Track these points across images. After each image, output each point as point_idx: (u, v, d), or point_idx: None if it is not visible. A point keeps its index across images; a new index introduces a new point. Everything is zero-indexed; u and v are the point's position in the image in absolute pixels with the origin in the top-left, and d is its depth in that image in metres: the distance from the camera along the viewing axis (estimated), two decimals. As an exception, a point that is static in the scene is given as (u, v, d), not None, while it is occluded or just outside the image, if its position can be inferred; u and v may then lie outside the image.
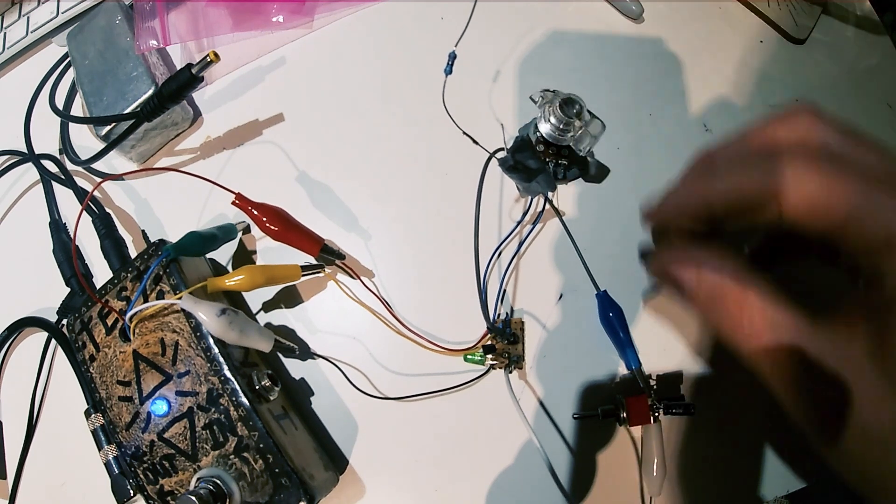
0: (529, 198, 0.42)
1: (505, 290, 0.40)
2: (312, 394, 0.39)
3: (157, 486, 0.33)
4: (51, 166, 0.47)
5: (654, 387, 0.38)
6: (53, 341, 0.41)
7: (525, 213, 0.42)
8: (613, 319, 0.38)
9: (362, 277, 0.40)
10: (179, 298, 0.33)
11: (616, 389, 0.38)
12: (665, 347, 0.39)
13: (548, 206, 0.41)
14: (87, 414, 0.36)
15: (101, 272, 0.43)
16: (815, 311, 0.21)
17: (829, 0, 0.51)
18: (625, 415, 0.35)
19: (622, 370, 0.39)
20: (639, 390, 0.36)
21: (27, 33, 0.50)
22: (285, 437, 0.33)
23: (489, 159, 0.39)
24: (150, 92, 0.43)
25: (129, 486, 0.34)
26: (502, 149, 0.41)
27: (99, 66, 0.45)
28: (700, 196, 0.24)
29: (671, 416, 0.35)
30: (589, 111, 0.39)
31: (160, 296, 0.35)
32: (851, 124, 0.22)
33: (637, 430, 0.37)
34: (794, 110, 0.23)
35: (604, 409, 0.36)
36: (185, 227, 0.38)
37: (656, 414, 0.35)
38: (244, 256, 0.43)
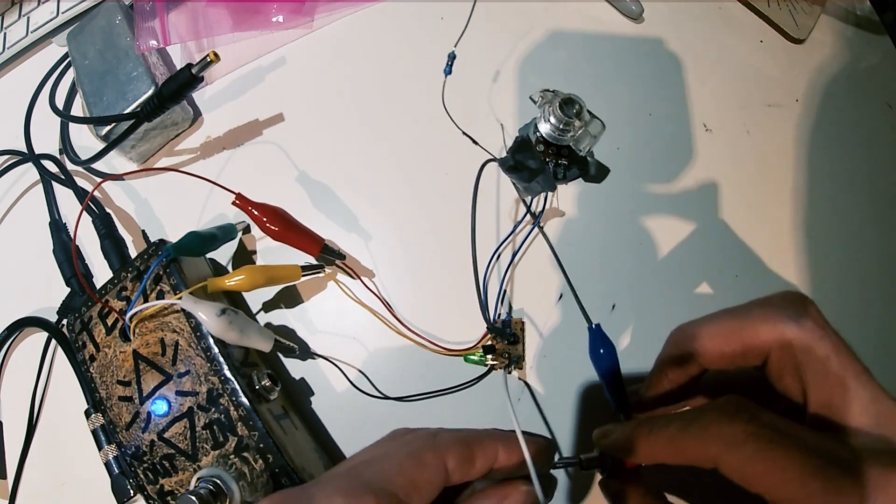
0: (529, 198, 0.42)
1: (505, 291, 0.40)
2: (312, 394, 0.39)
3: (158, 486, 0.33)
4: (51, 166, 0.47)
5: None
6: (53, 341, 0.41)
7: (525, 214, 0.42)
8: (603, 357, 0.33)
9: (362, 277, 0.40)
10: (179, 298, 0.33)
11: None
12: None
13: (548, 207, 0.41)
14: (87, 414, 0.36)
15: (102, 272, 0.43)
16: None
17: (829, 0, 0.51)
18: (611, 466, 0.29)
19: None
20: None
21: (27, 33, 0.50)
22: (285, 436, 0.33)
23: (485, 164, 0.38)
24: (150, 92, 0.43)
25: (129, 486, 0.34)
26: (493, 159, 0.41)
27: (99, 66, 0.45)
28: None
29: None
30: (589, 111, 0.39)
31: (160, 296, 0.35)
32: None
33: None
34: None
35: (587, 458, 0.30)
36: (185, 227, 0.39)
37: None
38: (244, 256, 0.43)
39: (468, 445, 0.25)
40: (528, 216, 0.42)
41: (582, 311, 0.35)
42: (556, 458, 0.35)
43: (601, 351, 0.33)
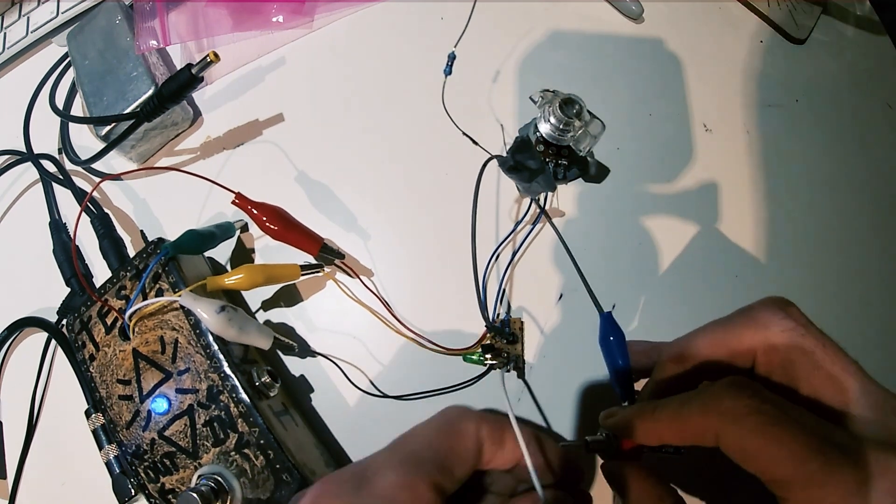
0: (529, 198, 0.42)
1: (504, 290, 0.40)
2: (312, 391, 0.39)
3: (159, 485, 0.33)
4: (50, 166, 0.47)
5: None
6: (53, 341, 0.41)
7: (525, 214, 0.42)
8: (613, 344, 0.33)
9: (361, 277, 0.40)
10: (179, 296, 0.33)
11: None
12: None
13: (547, 207, 0.41)
14: (88, 414, 0.36)
15: (101, 272, 0.43)
16: None
17: (829, 0, 0.51)
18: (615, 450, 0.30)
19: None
20: None
21: (27, 33, 0.50)
22: (286, 433, 0.33)
23: (486, 162, 0.38)
24: (150, 92, 0.43)
25: (130, 485, 0.34)
26: (497, 156, 0.41)
27: (99, 66, 0.45)
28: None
29: (661, 455, 0.33)
30: (589, 111, 0.39)
31: (159, 294, 0.35)
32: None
33: None
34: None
35: (592, 440, 0.30)
36: (184, 226, 0.38)
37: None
38: (243, 255, 0.43)
39: (501, 429, 0.26)
40: (536, 212, 0.42)
41: (593, 299, 0.35)
42: (560, 442, 0.36)
43: (611, 339, 0.33)
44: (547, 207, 0.41)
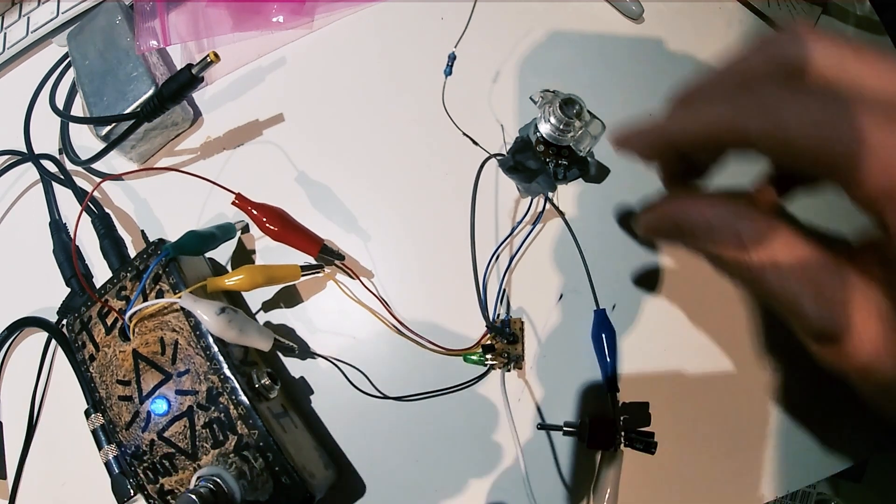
0: (530, 198, 0.41)
1: (505, 290, 0.40)
2: (312, 392, 0.39)
3: (158, 486, 0.33)
4: (51, 166, 0.47)
5: (626, 417, 0.36)
6: (53, 341, 0.41)
7: (525, 214, 0.42)
8: (604, 341, 0.37)
9: (362, 278, 0.40)
10: (179, 297, 0.33)
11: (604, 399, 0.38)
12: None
13: (549, 206, 0.41)
14: (87, 414, 0.36)
15: (102, 272, 0.43)
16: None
17: (829, 0, 0.51)
18: (586, 436, 0.35)
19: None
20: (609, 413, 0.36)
21: (27, 33, 0.50)
22: (285, 435, 0.33)
23: (485, 161, 0.38)
24: (151, 92, 0.43)
25: (129, 486, 0.34)
26: (498, 154, 0.41)
27: (99, 67, 0.45)
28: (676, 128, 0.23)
29: (631, 449, 0.34)
30: (589, 111, 0.39)
31: (159, 295, 0.35)
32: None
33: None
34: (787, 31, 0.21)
35: (567, 424, 0.35)
36: (185, 227, 0.38)
37: (618, 443, 0.34)
38: (243, 256, 0.43)
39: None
40: (536, 212, 0.42)
41: (593, 293, 0.37)
42: (538, 424, 0.38)
43: (602, 335, 0.37)
44: (548, 207, 0.41)
